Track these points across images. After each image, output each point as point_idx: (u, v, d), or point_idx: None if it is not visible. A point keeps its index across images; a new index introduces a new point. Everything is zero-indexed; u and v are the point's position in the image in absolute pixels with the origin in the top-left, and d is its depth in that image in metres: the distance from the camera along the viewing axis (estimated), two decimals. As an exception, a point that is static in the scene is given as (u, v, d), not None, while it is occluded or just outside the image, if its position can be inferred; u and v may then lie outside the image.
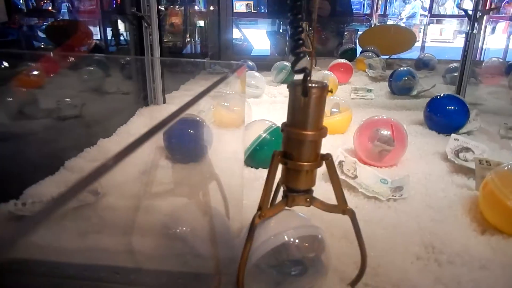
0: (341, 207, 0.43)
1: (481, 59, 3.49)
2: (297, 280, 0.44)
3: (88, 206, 0.63)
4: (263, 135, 0.79)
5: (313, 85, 0.37)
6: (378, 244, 0.54)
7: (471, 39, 1.10)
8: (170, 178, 0.75)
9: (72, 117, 1.13)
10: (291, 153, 0.40)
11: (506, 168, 0.59)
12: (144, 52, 1.25)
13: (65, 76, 1.62)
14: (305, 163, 0.40)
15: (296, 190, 0.42)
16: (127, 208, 0.65)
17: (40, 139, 1.02)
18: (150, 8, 1.13)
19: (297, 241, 0.42)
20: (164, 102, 1.26)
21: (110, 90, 1.44)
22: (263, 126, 0.81)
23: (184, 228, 0.59)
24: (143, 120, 1.12)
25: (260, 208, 0.41)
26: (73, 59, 1.58)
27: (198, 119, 0.84)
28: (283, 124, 0.40)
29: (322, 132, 0.39)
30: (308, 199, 0.43)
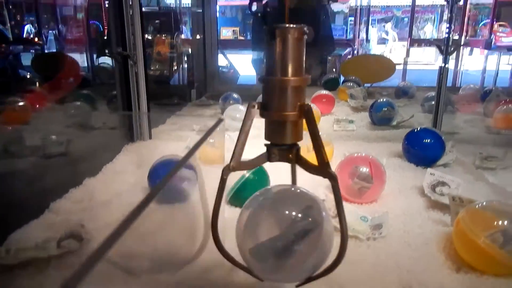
0: (323, 169, 0.41)
1: (459, 84, 3.61)
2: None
3: (72, 253, 0.63)
4: (247, 175, 0.81)
5: (289, 26, 0.36)
6: (357, 286, 0.56)
7: (444, 73, 1.15)
8: (155, 219, 0.76)
9: (57, 155, 1.14)
10: (270, 103, 0.39)
11: (476, 206, 0.61)
12: (129, 85, 1.27)
13: (51, 111, 1.63)
14: (284, 113, 0.38)
15: (279, 145, 0.40)
16: (111, 254, 0.65)
17: (25, 178, 1.02)
18: (136, 47, 1.16)
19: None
20: (150, 138, 1.28)
21: (96, 125, 1.46)
22: (246, 165, 0.82)
23: (168, 273, 0.60)
24: (129, 157, 1.13)
25: (230, 160, 0.40)
26: (60, 93, 1.59)
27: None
28: (262, 77, 0.39)
29: (303, 79, 0.37)
30: (291, 155, 0.41)
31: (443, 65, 1.17)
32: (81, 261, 0.22)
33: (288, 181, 0.95)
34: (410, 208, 0.78)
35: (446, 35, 1.14)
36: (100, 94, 1.72)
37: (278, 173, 0.95)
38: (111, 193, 0.90)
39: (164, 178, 0.37)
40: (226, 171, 0.40)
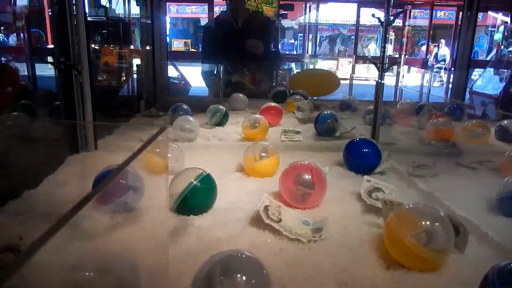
0: None
1: (399, 99, 3.86)
2: None
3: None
4: (194, 182, 0.82)
5: None
6: (298, 285, 0.59)
7: (380, 88, 1.25)
8: (98, 229, 0.75)
9: (-6, 167, 1.07)
10: None
11: (404, 208, 0.67)
12: (74, 96, 1.23)
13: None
14: None
15: None
16: (52, 264, 0.64)
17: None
18: (81, 56, 1.14)
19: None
20: (96, 149, 1.25)
21: (37, 136, 1.39)
22: (194, 174, 0.84)
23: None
24: (73, 168, 1.10)
25: None
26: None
27: (128, 168, 0.86)
28: None
29: None
30: None
31: (379, 80, 1.26)
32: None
33: (235, 191, 0.97)
34: (348, 213, 0.84)
35: (381, 54, 1.24)
36: (42, 104, 1.65)
37: (226, 183, 0.97)
38: (52, 205, 0.87)
39: (104, 182, 0.38)
40: None
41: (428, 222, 0.63)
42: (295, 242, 0.71)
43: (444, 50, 10.71)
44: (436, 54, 10.49)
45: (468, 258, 0.67)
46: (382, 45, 1.25)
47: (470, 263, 0.66)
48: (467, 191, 1.03)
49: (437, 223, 0.63)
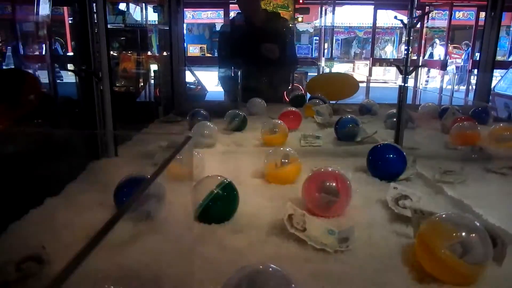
0: None
1: (418, 102, 3.79)
2: None
3: (32, 277, 0.60)
4: (216, 191, 0.81)
5: None
6: (326, 300, 0.56)
7: (403, 92, 1.21)
8: (119, 239, 0.74)
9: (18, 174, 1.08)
10: None
11: (437, 219, 0.64)
12: (94, 103, 1.24)
13: (9, 129, 1.55)
14: None
15: None
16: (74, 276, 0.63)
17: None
18: (102, 64, 1.14)
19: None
20: (116, 155, 1.25)
21: (59, 143, 1.41)
22: (215, 182, 0.82)
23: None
24: (94, 175, 1.10)
25: None
26: (19, 112, 1.53)
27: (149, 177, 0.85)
28: None
29: None
30: None
31: (402, 84, 1.23)
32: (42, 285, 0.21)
33: (256, 198, 0.95)
34: (375, 221, 0.81)
35: (405, 57, 1.20)
36: (63, 110, 1.67)
37: (246, 190, 0.95)
38: (74, 213, 0.86)
39: (132, 198, 0.37)
40: None
41: (463, 233, 0.60)
42: (320, 253, 0.69)
43: (439, 50, 10.40)
44: (431, 54, 10.23)
45: (506, 271, 0.63)
46: (406, 47, 1.21)
47: (508, 276, 0.62)
48: (499, 198, 0.98)
49: (473, 234, 0.60)
